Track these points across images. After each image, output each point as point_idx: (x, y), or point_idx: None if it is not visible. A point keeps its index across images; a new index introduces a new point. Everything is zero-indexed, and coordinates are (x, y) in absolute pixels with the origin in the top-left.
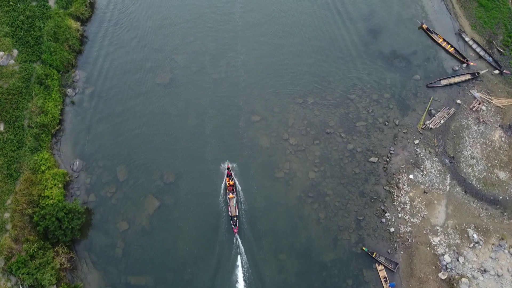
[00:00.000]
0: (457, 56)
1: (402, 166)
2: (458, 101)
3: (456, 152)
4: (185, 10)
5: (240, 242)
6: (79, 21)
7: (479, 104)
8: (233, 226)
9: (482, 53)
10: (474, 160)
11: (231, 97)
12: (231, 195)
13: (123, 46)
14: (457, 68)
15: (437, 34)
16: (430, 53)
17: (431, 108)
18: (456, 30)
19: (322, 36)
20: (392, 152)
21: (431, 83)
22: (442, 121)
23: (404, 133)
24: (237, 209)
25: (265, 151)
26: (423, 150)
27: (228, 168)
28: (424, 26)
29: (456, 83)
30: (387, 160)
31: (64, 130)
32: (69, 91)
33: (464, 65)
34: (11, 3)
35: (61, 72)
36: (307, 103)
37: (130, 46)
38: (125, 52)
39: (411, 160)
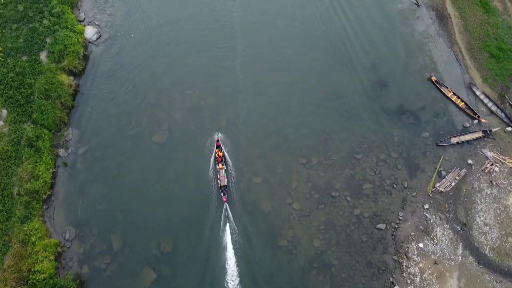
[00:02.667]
0: (468, 111)
1: (411, 234)
2: (470, 161)
3: (468, 218)
4: (183, 61)
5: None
6: (72, 75)
7: (491, 165)
8: (222, 195)
9: (494, 108)
10: (487, 227)
11: (231, 158)
12: (220, 165)
13: (118, 101)
14: (468, 125)
15: (447, 87)
16: (439, 108)
17: (441, 168)
18: (467, 83)
19: (326, 89)
20: (401, 218)
21: (440, 141)
22: (453, 184)
23: (413, 196)
24: (226, 179)
25: (267, 217)
26: (434, 216)
27: (217, 140)
28: (433, 78)
29: (467, 141)
30: (395, 227)
31: (56, 195)
32: (61, 151)
33: (475, 121)
34: (0, 58)
35: (52, 131)
36: (311, 163)
37: (125, 101)
38: (120, 108)
39: (421, 227)
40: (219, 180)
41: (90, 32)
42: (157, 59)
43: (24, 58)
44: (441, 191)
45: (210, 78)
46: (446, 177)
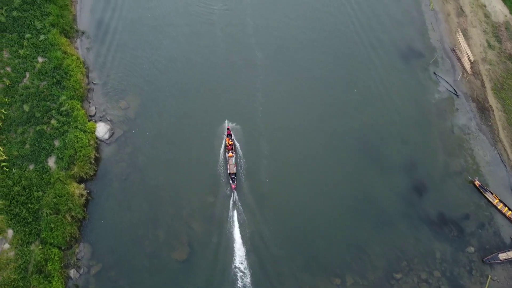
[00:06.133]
0: None
1: None
2: None
3: None
4: (203, 162)
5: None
6: (83, 181)
7: None
8: (231, 182)
9: None
10: None
11: (257, 276)
12: (230, 153)
13: (133, 210)
14: None
15: (492, 193)
16: (484, 217)
17: None
18: None
19: (357, 193)
20: None
21: (487, 258)
22: None
23: None
24: (235, 167)
25: None
26: None
27: (228, 129)
28: (477, 183)
29: None
30: None
31: None
32: (72, 272)
33: None
34: (5, 168)
35: (63, 249)
36: (346, 284)
37: (141, 209)
38: (135, 218)
39: None
40: (228, 168)
41: (101, 130)
42: (175, 159)
43: (31, 167)
44: None
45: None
46: None
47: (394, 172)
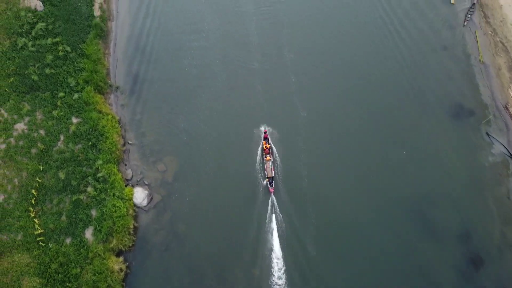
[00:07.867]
0: None
1: None
2: None
3: None
4: (246, 235)
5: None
6: (121, 254)
7: None
8: (269, 186)
9: None
10: None
11: None
12: (267, 157)
13: (174, 285)
14: None
15: None
16: None
17: None
18: None
19: (408, 266)
20: None
21: None
22: None
23: None
24: (273, 170)
25: None
26: None
27: (265, 132)
28: None
29: None
30: None
31: None
32: None
33: None
34: (41, 243)
35: None
36: None
37: (182, 284)
38: None
39: None
40: (265, 172)
41: (139, 196)
42: (217, 227)
43: (68, 240)
44: None
45: (278, 251)
46: None
47: (447, 241)
